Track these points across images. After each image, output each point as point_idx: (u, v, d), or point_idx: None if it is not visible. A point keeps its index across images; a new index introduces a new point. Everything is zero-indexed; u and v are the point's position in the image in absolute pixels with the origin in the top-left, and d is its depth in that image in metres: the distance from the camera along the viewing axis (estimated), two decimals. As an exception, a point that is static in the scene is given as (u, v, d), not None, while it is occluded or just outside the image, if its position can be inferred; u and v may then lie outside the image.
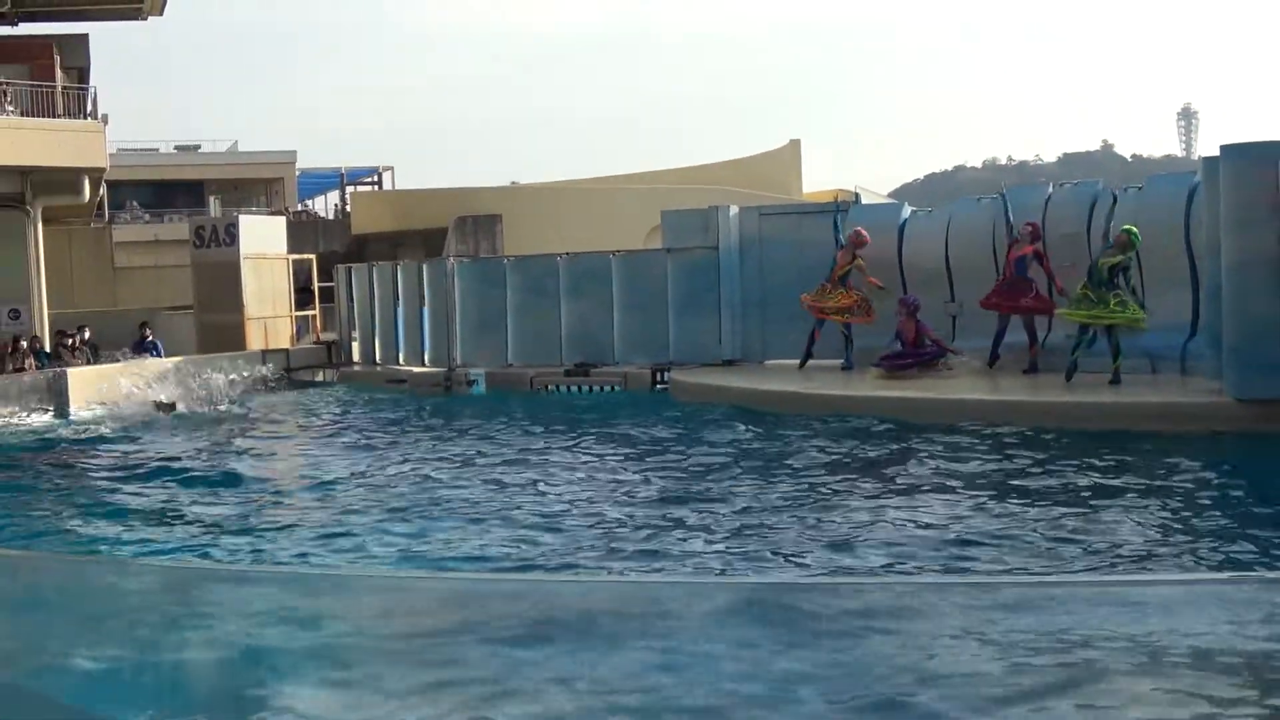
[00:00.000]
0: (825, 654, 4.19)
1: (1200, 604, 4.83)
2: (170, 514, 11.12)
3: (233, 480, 12.83)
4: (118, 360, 22.48)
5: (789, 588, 5.90)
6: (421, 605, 5.14)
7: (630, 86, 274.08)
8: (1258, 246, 12.09)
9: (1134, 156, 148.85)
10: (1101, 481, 10.45)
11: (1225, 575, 7.17)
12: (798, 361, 18.21)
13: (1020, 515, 9.32)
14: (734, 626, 4.52)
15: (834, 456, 12.44)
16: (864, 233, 17.57)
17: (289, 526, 10.40)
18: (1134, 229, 14.57)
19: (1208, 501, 9.75)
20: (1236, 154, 12.51)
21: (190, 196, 48.22)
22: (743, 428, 14.47)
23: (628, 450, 13.56)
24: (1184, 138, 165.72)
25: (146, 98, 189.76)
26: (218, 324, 24.94)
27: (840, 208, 18.88)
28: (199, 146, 55.19)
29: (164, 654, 4.47)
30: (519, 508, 10.67)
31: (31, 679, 4.29)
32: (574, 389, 19.48)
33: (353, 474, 12.95)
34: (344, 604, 5.19)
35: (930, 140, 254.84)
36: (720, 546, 8.88)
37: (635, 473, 12.14)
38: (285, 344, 25.03)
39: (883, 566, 8.16)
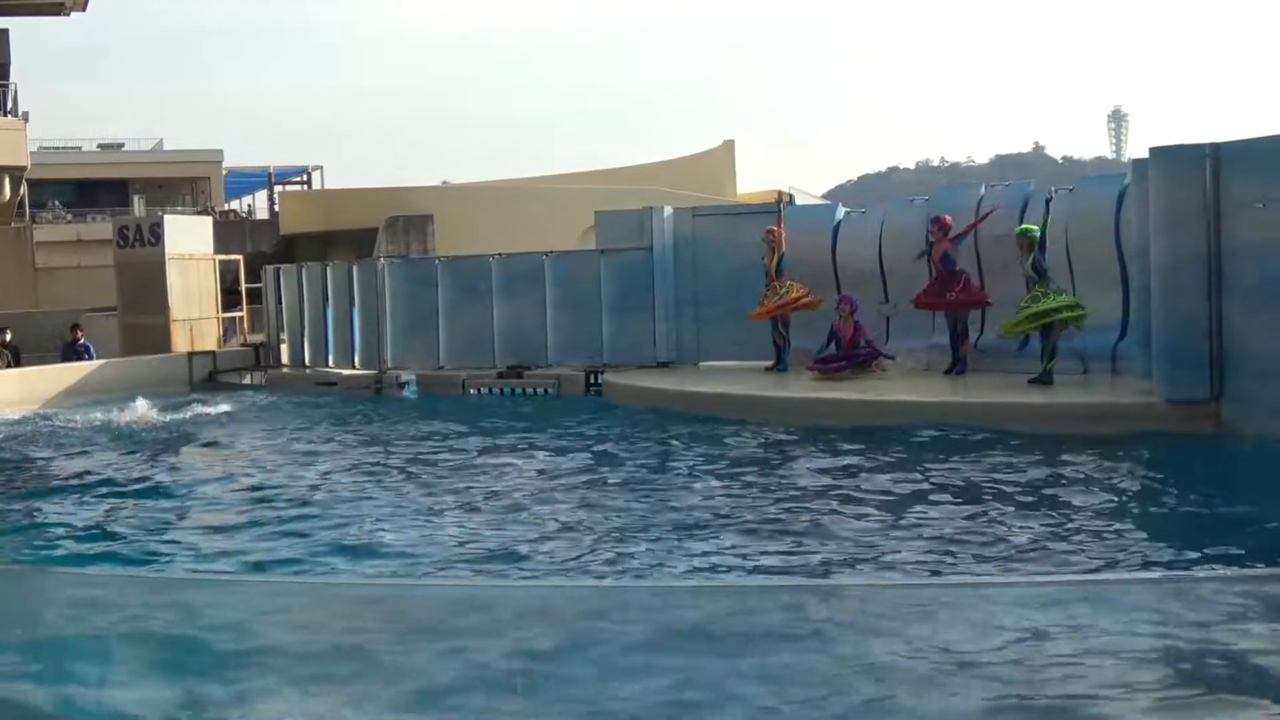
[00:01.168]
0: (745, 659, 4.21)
1: (1115, 602, 4.90)
2: (85, 520, 10.93)
3: (148, 485, 12.66)
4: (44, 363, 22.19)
5: (702, 590, 5.92)
6: (322, 610, 5.13)
7: (563, 86, 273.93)
8: (1187, 247, 12.25)
9: (1065, 158, 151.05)
10: (1025, 481, 10.55)
11: (1155, 574, 7.27)
12: (734, 363, 18.33)
13: (944, 518, 9.39)
14: (663, 634, 4.53)
15: (766, 459, 12.47)
16: (776, 230, 17.70)
17: (197, 530, 10.29)
18: (1025, 227, 14.81)
19: (1134, 502, 9.87)
20: (1165, 156, 12.68)
21: (114, 195, 47.70)
22: (674, 430, 14.49)
23: (557, 453, 13.51)
24: (1114, 139, 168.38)
25: (69, 95, 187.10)
26: (142, 326, 24.62)
27: (779, 208, 18.94)
28: (123, 145, 54.60)
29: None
30: (442, 512, 10.62)
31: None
32: (507, 391, 19.43)
33: (273, 478, 12.82)
34: (249, 609, 5.16)
35: (864, 142, 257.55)
36: (642, 550, 8.86)
37: (562, 476, 12.09)
38: (212, 346, 24.74)
39: (805, 567, 8.19)
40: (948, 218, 16.27)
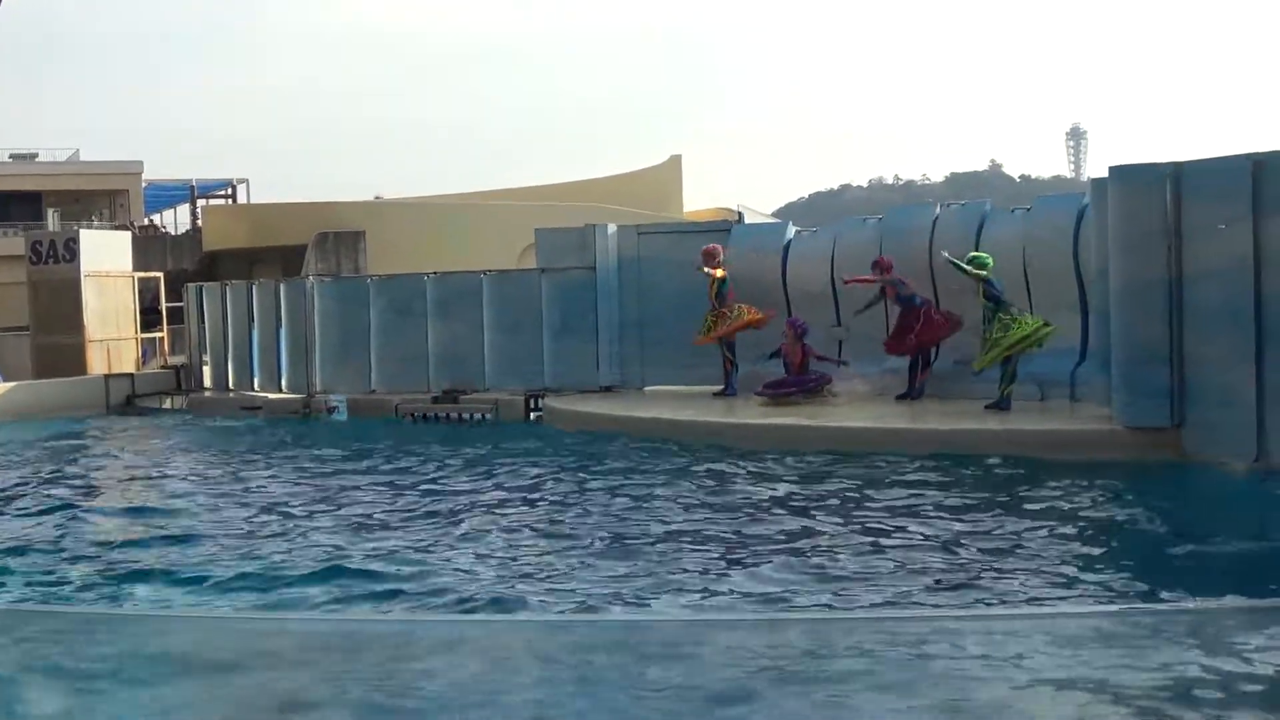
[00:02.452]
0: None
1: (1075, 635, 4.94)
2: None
3: (60, 515, 12.51)
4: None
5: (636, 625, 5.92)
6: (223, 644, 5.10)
7: (504, 99, 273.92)
8: (1147, 270, 12.39)
9: (1022, 177, 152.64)
10: (977, 509, 10.61)
11: (1116, 607, 7.33)
12: (680, 388, 18.38)
13: (890, 546, 9.42)
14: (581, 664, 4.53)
15: (708, 487, 12.46)
16: (716, 247, 17.81)
17: (96, 562, 10.21)
18: (975, 255, 15.03)
19: (1092, 530, 9.94)
20: (1125, 175, 12.82)
21: (27, 208, 47.15)
22: (616, 457, 14.48)
23: (493, 484, 13.44)
24: (1073, 158, 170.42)
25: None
26: (56, 346, 24.35)
27: (725, 227, 19.01)
28: (36, 155, 53.98)
29: None
30: (361, 542, 10.58)
31: None
32: (442, 416, 19.33)
33: (190, 507, 12.69)
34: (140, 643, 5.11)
35: (816, 159, 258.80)
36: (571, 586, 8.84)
37: (496, 509, 12.00)
38: (130, 368, 24.51)
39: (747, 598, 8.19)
40: (886, 259, 16.39)
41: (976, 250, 15.57)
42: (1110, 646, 4.89)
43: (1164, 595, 7.85)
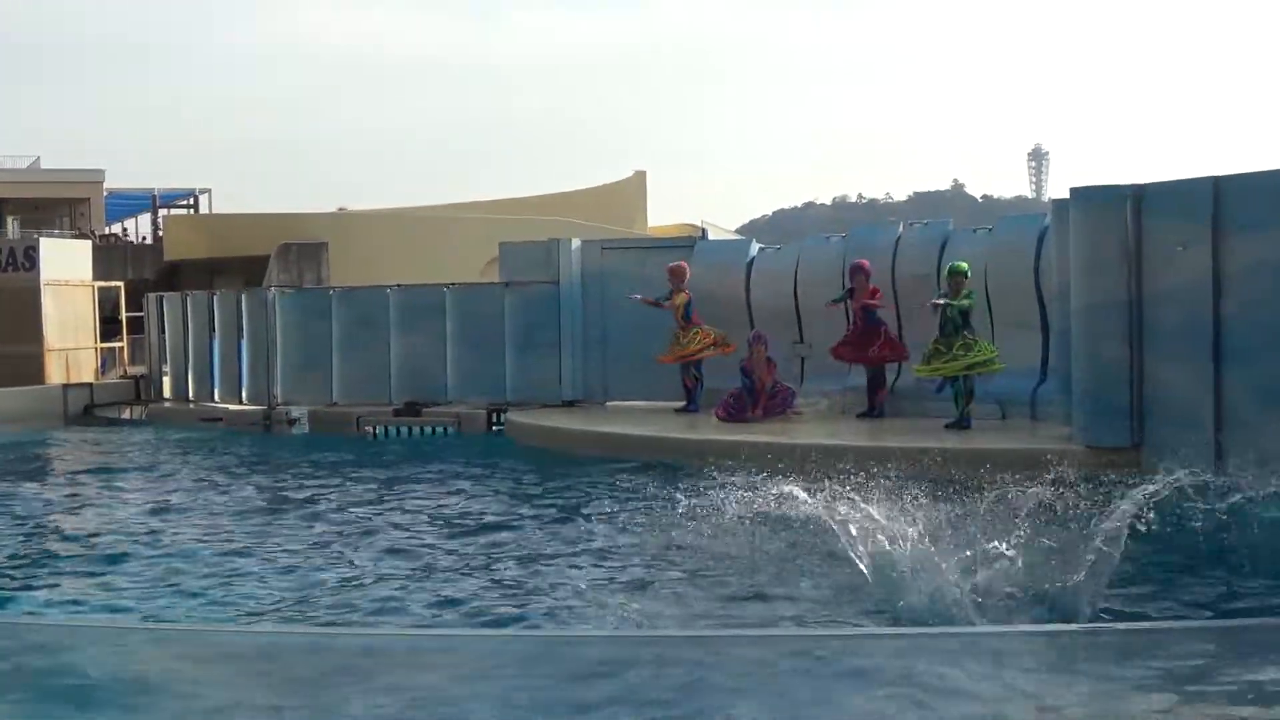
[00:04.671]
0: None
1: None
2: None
3: (9, 527, 12.44)
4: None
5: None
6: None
7: (468, 112, 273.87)
8: (1107, 290, 12.48)
9: (984, 196, 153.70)
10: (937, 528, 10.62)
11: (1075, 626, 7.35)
12: (643, 403, 18.39)
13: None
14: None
15: (665, 503, 12.42)
16: (683, 266, 17.85)
17: (62, 577, 10.16)
18: (959, 264, 14.98)
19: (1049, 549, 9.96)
20: (1086, 196, 12.92)
21: (-15, 216, 46.73)
22: (576, 472, 14.46)
23: (450, 498, 13.40)
24: (1034, 178, 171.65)
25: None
26: (14, 355, 24.15)
27: (689, 244, 19.04)
28: (-4, 162, 53.58)
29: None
30: (314, 558, 10.57)
31: None
32: (403, 430, 19.26)
33: (142, 520, 12.61)
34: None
35: (780, 176, 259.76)
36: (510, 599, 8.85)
37: (451, 523, 11.97)
38: (89, 378, 24.36)
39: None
40: (866, 263, 16.40)
41: (940, 266, 15.65)
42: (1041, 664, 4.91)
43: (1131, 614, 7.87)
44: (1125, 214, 12.45)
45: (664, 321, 17.81)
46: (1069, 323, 13.25)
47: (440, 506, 12.89)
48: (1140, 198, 12.42)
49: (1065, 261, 13.35)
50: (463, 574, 9.67)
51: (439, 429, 19.05)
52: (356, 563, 10.27)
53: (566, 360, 19.19)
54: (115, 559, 10.74)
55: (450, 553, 10.53)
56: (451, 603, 8.72)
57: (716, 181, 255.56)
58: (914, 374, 15.72)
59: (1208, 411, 11.64)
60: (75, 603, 9.22)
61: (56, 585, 9.85)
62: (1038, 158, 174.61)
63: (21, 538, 11.87)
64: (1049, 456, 12.15)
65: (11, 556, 10.95)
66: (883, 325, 16.29)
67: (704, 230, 30.52)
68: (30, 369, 23.84)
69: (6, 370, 24.02)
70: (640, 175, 50.28)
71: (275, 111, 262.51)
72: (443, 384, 19.67)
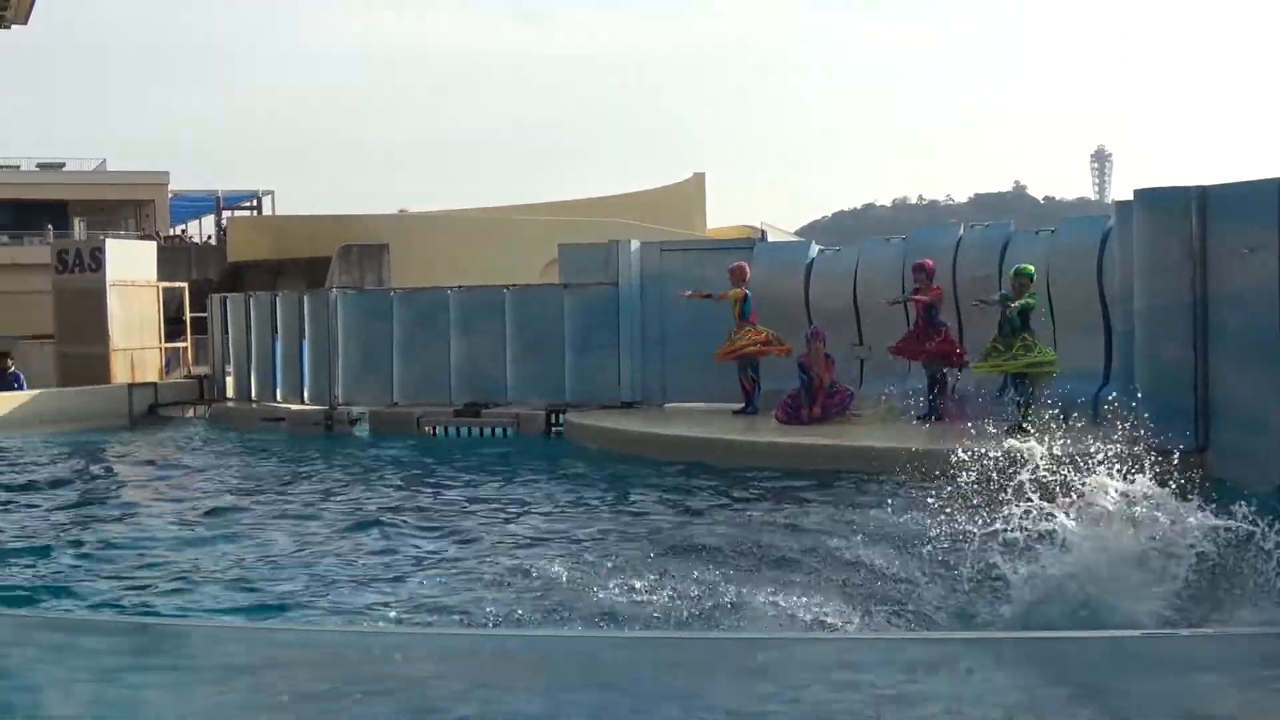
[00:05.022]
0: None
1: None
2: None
3: (77, 522, 12.58)
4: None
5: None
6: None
7: (530, 115, 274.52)
8: (1171, 292, 12.37)
9: (1046, 198, 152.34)
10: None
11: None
12: (700, 405, 18.39)
13: (889, 568, 9.35)
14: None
15: (728, 506, 12.42)
16: (744, 265, 17.88)
17: (126, 572, 10.25)
18: (1026, 266, 14.87)
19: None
20: (1150, 198, 12.80)
21: (53, 217, 47.35)
22: (635, 474, 14.48)
23: (509, 498, 13.46)
24: (1097, 180, 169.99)
25: (7, 111, 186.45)
26: (80, 355, 24.44)
27: (748, 245, 19.03)
28: (63, 164, 54.33)
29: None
30: (383, 556, 10.62)
31: None
32: (463, 430, 19.34)
33: (210, 518, 12.72)
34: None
35: (840, 178, 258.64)
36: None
37: (511, 523, 12.04)
38: (153, 378, 24.58)
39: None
40: (931, 262, 16.33)
41: (1002, 268, 15.56)
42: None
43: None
44: (1190, 216, 12.33)
45: (723, 323, 17.78)
46: (1132, 325, 13.13)
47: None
48: (1205, 199, 12.29)
49: (1129, 263, 13.22)
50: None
51: (498, 430, 19.12)
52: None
53: (625, 361, 19.20)
54: (185, 557, 10.83)
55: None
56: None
57: (776, 183, 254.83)
58: (972, 370, 15.68)
59: (1275, 414, 11.49)
60: (145, 604, 9.27)
61: (126, 583, 9.94)
62: (1101, 159, 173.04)
63: (84, 535, 11.97)
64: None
65: (78, 555, 11.06)
66: (944, 327, 16.21)
67: (763, 232, 30.47)
68: (96, 369, 24.10)
69: (73, 370, 24.33)
70: (699, 177, 50.21)
71: (337, 114, 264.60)
72: (502, 385, 19.74)
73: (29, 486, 15.22)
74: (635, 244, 19.74)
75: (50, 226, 44.69)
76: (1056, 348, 15.08)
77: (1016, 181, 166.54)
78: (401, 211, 48.46)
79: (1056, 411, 15.14)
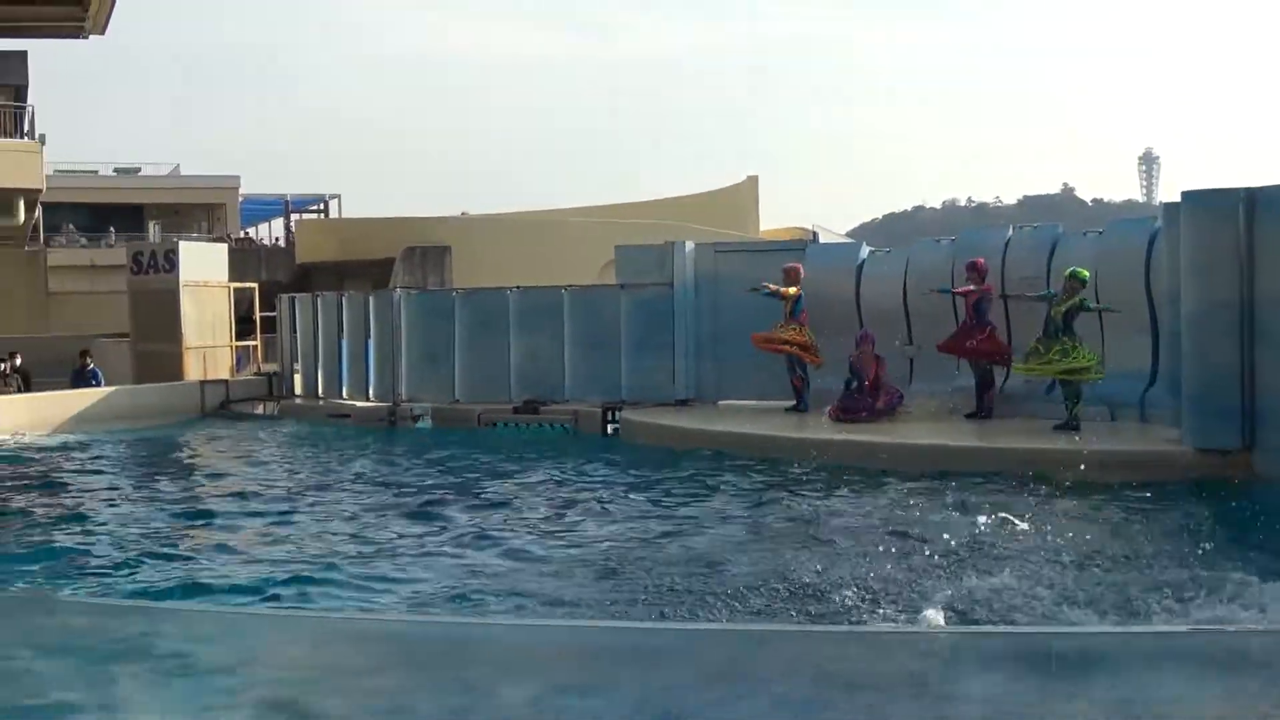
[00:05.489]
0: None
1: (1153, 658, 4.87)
2: (88, 547, 10.98)
3: (158, 514, 12.73)
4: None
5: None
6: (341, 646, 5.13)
7: (587, 119, 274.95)
8: (1218, 294, 12.23)
9: (1094, 200, 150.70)
10: (1049, 529, 10.48)
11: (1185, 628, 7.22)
12: (753, 402, 18.39)
13: (955, 565, 9.31)
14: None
15: (779, 500, 12.40)
16: (798, 266, 17.86)
17: (200, 561, 10.35)
18: (1080, 270, 14.77)
19: (1157, 551, 9.79)
20: (1198, 200, 12.66)
21: (129, 220, 47.86)
22: (692, 469, 14.49)
23: (570, 491, 13.52)
24: (1145, 182, 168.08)
25: (86, 118, 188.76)
26: (155, 353, 24.74)
27: (800, 247, 19.00)
28: (139, 169, 54.81)
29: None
30: (451, 548, 10.67)
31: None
32: (522, 426, 19.39)
33: (275, 509, 12.85)
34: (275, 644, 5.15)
35: (890, 180, 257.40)
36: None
37: (573, 515, 12.09)
38: (225, 375, 24.85)
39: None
40: (983, 261, 16.25)
41: (1050, 269, 15.48)
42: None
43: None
44: (1238, 217, 12.19)
45: (776, 322, 17.77)
46: (1179, 325, 12.99)
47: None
48: (1253, 201, 12.14)
49: (1176, 264, 13.08)
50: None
51: (556, 426, 19.17)
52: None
53: (680, 360, 19.21)
54: (265, 547, 10.96)
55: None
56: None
57: (828, 186, 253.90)
58: (1013, 370, 15.64)
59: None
60: (234, 588, 9.37)
61: (207, 569, 10.05)
62: (1148, 161, 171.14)
63: (162, 526, 12.12)
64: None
65: (159, 543, 11.19)
66: (990, 325, 16.13)
67: (815, 234, 30.41)
68: (170, 366, 24.38)
69: (149, 367, 24.64)
70: (753, 180, 50.03)
71: (402, 121, 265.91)
72: (560, 383, 19.81)
73: (149, 477, 15.52)
74: (690, 245, 19.74)
75: (111, 229, 45.32)
76: (1104, 348, 14.95)
77: (1065, 184, 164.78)
78: (463, 214, 48.60)
79: (1104, 408, 15.13)
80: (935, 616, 7.71)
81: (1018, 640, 5.09)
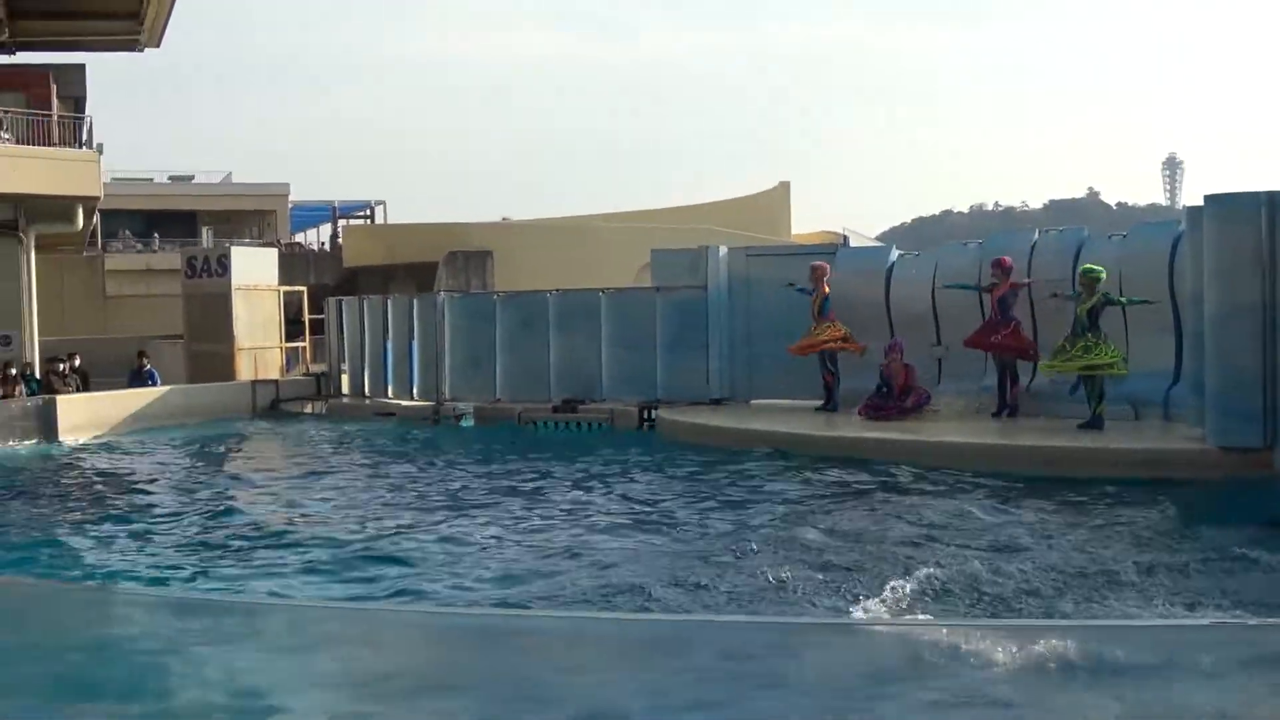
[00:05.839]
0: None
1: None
2: (144, 541, 11.07)
3: (213, 509, 12.80)
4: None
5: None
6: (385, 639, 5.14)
7: (623, 126, 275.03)
8: (1240, 296, 12.13)
9: (1119, 204, 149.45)
10: (1073, 525, 10.43)
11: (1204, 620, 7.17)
12: (783, 401, 18.35)
13: (980, 558, 9.26)
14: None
15: (816, 496, 12.38)
16: (824, 265, 17.86)
17: (261, 555, 10.40)
18: (1092, 267, 14.70)
19: (1183, 547, 9.73)
20: (1220, 204, 12.57)
21: (183, 226, 48.18)
22: (725, 466, 14.48)
23: (604, 488, 13.52)
24: (1168, 187, 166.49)
25: (142, 128, 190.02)
26: (208, 354, 24.92)
27: (831, 251, 18.95)
28: (193, 177, 55.20)
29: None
30: (496, 543, 10.69)
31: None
32: (561, 425, 19.43)
33: (330, 505, 12.92)
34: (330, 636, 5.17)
35: (918, 185, 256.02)
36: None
37: (608, 511, 12.09)
38: (275, 375, 24.98)
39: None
40: (1009, 259, 16.20)
41: (1075, 271, 15.37)
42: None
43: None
44: (1260, 220, 12.09)
45: (805, 325, 17.74)
46: (1202, 326, 12.89)
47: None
48: (1275, 205, 12.03)
49: (1199, 267, 12.98)
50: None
51: (594, 424, 19.20)
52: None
53: (713, 360, 19.21)
54: (320, 540, 10.98)
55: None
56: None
57: (858, 191, 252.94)
58: (1040, 369, 15.54)
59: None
60: (285, 579, 9.42)
61: (266, 564, 10.11)
62: (1172, 166, 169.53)
63: (222, 520, 12.17)
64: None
65: (225, 536, 11.26)
66: (1015, 320, 16.04)
67: (845, 237, 30.29)
68: (223, 366, 24.53)
69: (202, 367, 24.81)
70: (784, 185, 49.93)
71: (445, 129, 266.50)
72: (598, 382, 19.84)
73: (235, 474, 15.72)
74: (723, 250, 19.74)
75: (164, 235, 45.63)
76: (1128, 347, 14.85)
77: (1090, 188, 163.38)
78: (504, 220, 48.73)
79: (1128, 407, 15.02)
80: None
81: (1039, 634, 5.05)
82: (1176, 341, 15.02)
